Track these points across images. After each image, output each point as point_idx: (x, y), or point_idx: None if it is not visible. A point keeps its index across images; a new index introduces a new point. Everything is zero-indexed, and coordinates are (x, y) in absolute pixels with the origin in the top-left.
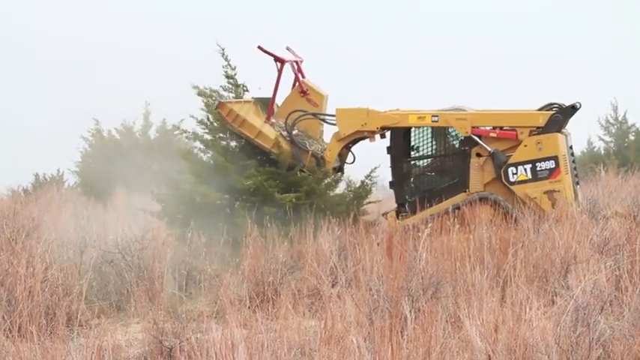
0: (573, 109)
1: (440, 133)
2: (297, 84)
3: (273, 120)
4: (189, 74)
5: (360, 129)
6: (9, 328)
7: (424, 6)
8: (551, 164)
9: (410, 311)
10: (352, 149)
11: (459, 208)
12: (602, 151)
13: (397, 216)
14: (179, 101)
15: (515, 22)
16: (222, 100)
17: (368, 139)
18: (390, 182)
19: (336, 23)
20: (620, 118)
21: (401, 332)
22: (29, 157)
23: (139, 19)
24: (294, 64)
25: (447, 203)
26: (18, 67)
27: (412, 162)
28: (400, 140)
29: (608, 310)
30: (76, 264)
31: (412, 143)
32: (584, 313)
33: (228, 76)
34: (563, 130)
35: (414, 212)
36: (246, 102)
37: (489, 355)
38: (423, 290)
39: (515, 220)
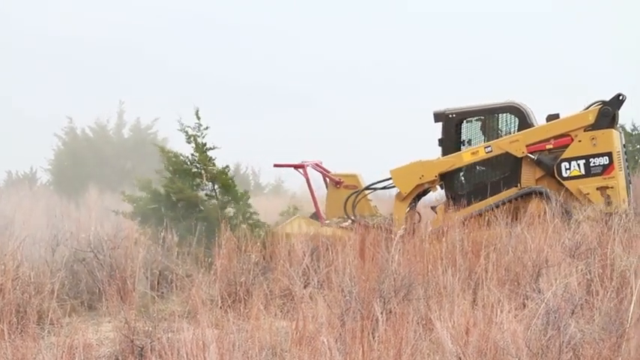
0: (619, 98)
1: (491, 127)
2: (328, 180)
3: (327, 221)
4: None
5: (420, 182)
6: None
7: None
8: (605, 160)
9: (381, 313)
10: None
11: (510, 201)
12: None
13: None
14: (154, 97)
15: (522, 23)
16: (274, 230)
17: (430, 191)
18: (441, 175)
19: (329, 23)
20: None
21: (372, 333)
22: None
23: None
24: (315, 165)
25: (499, 197)
26: None
27: None
28: (452, 133)
29: (578, 314)
30: (47, 262)
31: (463, 137)
32: (555, 317)
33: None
34: (617, 127)
35: (464, 205)
36: (294, 219)
37: (460, 358)
38: (394, 292)
39: (569, 216)
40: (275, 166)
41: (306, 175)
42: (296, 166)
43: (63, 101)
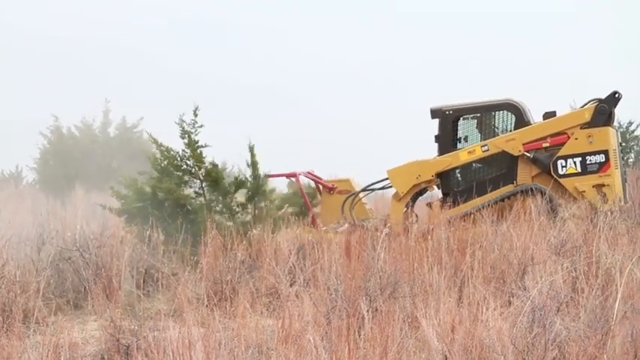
0: (615, 96)
1: (488, 124)
2: (321, 187)
3: (323, 228)
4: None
5: (417, 182)
6: None
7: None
8: (601, 158)
9: (367, 311)
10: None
11: (506, 199)
12: None
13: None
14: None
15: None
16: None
17: (427, 190)
18: (438, 174)
19: (328, 23)
20: None
21: (358, 332)
22: None
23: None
24: (308, 174)
25: (494, 194)
26: None
27: None
28: (448, 130)
29: (564, 311)
30: (33, 261)
31: (459, 134)
32: (541, 314)
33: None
34: (613, 125)
35: (460, 202)
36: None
37: (446, 356)
38: (380, 290)
39: (555, 213)
40: (267, 177)
41: (298, 183)
42: (288, 176)
43: (63, 101)
